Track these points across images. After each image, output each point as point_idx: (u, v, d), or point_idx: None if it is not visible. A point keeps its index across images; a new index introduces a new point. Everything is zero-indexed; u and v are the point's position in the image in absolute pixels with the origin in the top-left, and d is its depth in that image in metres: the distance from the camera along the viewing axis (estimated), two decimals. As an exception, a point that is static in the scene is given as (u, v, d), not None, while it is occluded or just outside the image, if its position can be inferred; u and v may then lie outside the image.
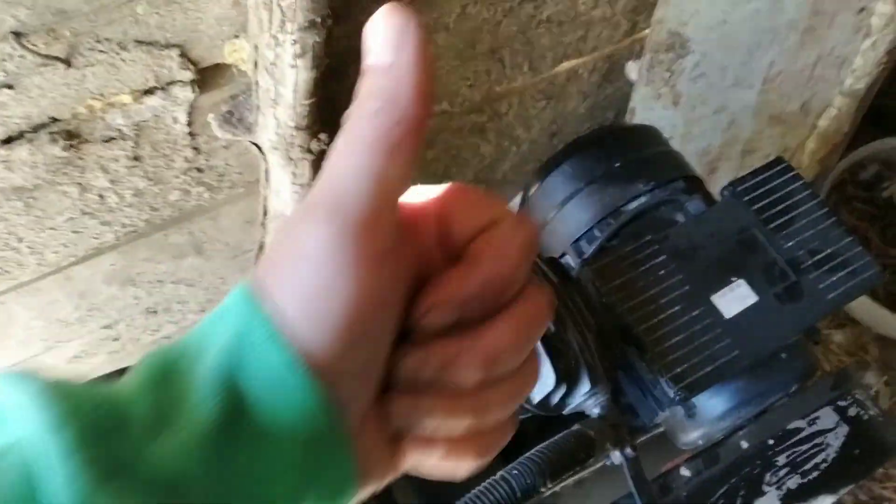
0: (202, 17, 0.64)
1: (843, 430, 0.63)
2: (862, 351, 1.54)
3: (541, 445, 0.50)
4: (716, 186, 0.77)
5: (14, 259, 0.76)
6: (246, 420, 0.26)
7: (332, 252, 0.26)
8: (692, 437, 0.71)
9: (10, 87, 0.60)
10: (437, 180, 0.98)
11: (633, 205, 0.76)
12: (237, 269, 0.99)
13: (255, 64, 0.69)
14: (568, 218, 0.78)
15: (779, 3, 0.97)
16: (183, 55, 0.66)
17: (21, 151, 0.66)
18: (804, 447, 0.61)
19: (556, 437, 0.52)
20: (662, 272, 0.68)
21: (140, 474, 0.24)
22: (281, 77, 0.67)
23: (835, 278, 0.68)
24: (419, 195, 0.32)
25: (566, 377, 0.56)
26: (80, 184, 0.73)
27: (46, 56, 0.59)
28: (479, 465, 0.32)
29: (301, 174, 0.78)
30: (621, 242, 0.72)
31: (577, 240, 0.77)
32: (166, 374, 0.27)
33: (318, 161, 0.78)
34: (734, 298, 0.66)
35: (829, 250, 0.69)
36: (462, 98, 0.94)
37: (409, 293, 0.30)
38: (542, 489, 0.47)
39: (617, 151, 0.79)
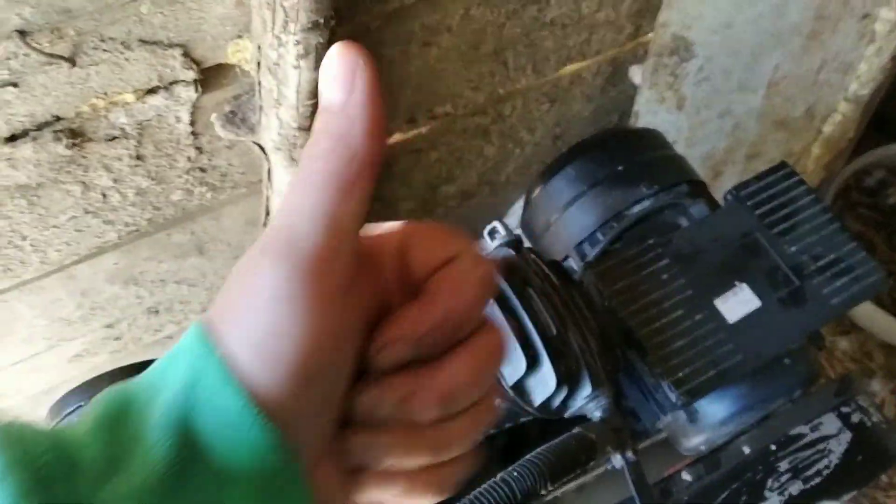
0: (205, 17, 0.64)
1: (846, 436, 0.62)
2: (867, 358, 1.53)
3: (541, 448, 0.50)
4: (720, 191, 0.76)
5: (17, 257, 0.76)
6: (200, 463, 0.26)
7: (284, 293, 0.26)
8: (694, 442, 0.70)
9: (14, 85, 0.60)
10: (441, 182, 0.99)
11: (637, 208, 0.76)
12: (239, 269, 0.99)
13: (258, 64, 0.69)
14: (571, 221, 0.78)
15: (783, 7, 0.97)
16: (186, 55, 0.66)
17: (25, 149, 0.66)
18: (807, 453, 0.60)
19: (556, 440, 0.52)
20: (665, 276, 0.68)
21: None
22: (284, 77, 0.67)
23: (838, 283, 0.68)
24: (379, 230, 0.32)
25: (567, 380, 0.55)
26: (83, 182, 0.73)
27: (51, 55, 0.59)
28: (440, 498, 0.32)
29: (304, 175, 0.78)
30: (624, 246, 0.72)
31: (581, 243, 0.77)
32: (119, 416, 0.26)
33: (320, 162, 0.78)
34: (737, 303, 0.66)
35: (832, 255, 0.69)
36: (465, 100, 0.94)
37: (368, 329, 0.30)
38: (542, 491, 0.47)
39: (620, 155, 0.79)
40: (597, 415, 0.56)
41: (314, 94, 0.69)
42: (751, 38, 1.02)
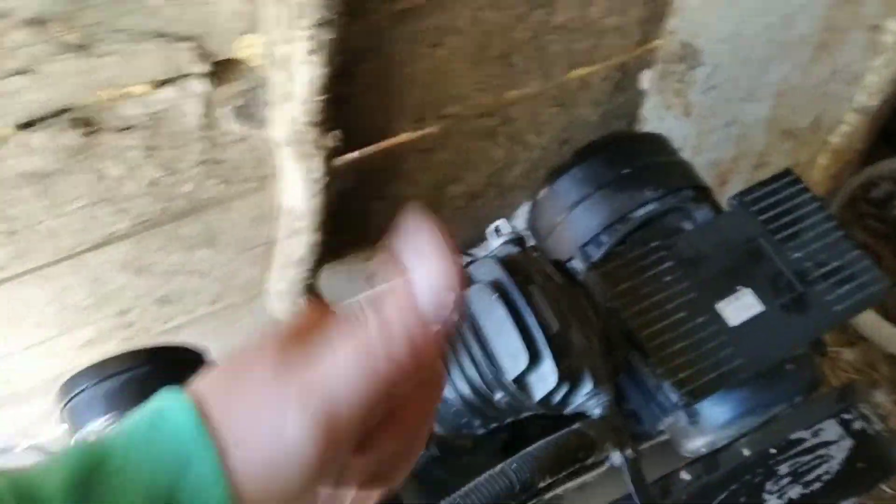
0: (216, 12, 0.65)
1: (848, 443, 0.63)
2: (872, 369, 1.53)
3: (540, 442, 0.50)
4: (726, 199, 0.77)
5: (30, 243, 0.77)
6: None
7: (305, 433, 0.28)
8: (696, 444, 0.70)
9: (28, 73, 0.61)
10: (448, 182, 0.99)
11: (641, 212, 0.76)
12: (247, 262, 1.00)
13: (269, 59, 0.70)
14: (576, 222, 0.79)
15: (791, 18, 0.97)
16: (197, 48, 0.67)
17: (39, 136, 0.66)
18: (807, 458, 0.61)
19: (555, 435, 0.52)
20: (668, 278, 0.68)
21: None
22: (294, 73, 0.68)
23: (841, 290, 0.68)
24: None
25: (568, 376, 0.56)
26: (95, 171, 0.73)
27: (64, 44, 0.60)
28: None
29: (313, 169, 0.78)
30: (628, 248, 0.72)
31: (585, 244, 0.77)
32: (91, 479, 0.26)
33: (330, 157, 0.79)
34: (740, 307, 0.67)
35: (836, 262, 0.69)
36: (473, 102, 0.95)
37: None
38: (540, 485, 0.48)
39: (626, 158, 0.80)
40: (597, 412, 0.56)
41: (324, 89, 0.70)
42: (759, 47, 1.02)
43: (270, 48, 0.68)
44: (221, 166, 0.83)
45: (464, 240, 1.24)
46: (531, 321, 0.56)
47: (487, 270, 0.60)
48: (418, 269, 0.32)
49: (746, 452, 0.58)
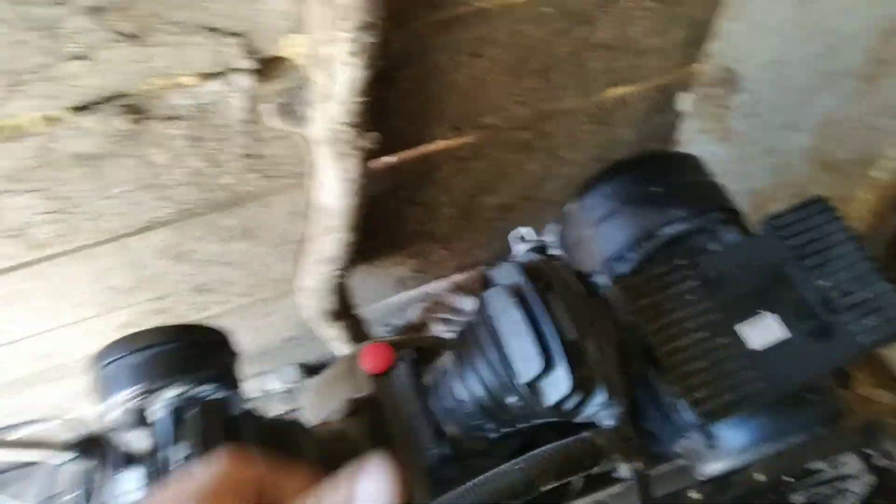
0: (265, 10, 0.67)
1: (870, 479, 0.61)
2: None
3: (546, 446, 0.51)
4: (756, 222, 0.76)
5: (75, 223, 0.81)
6: None
7: None
8: (712, 468, 0.70)
9: (84, 58, 0.64)
10: (482, 192, 1.00)
11: (668, 230, 0.76)
12: (281, 258, 1.03)
13: (312, 59, 0.72)
14: (603, 237, 0.79)
15: (837, 48, 0.97)
16: (245, 44, 0.70)
17: (91, 120, 0.70)
18: (824, 489, 0.60)
19: (562, 441, 0.53)
20: (691, 297, 0.68)
21: None
22: (335, 73, 0.70)
23: (867, 322, 0.67)
24: None
25: (581, 385, 0.56)
26: (141, 157, 0.77)
27: (120, 33, 0.63)
28: None
29: (349, 170, 0.81)
30: (652, 265, 0.72)
31: (610, 259, 0.78)
32: None
33: (366, 158, 0.81)
34: (762, 331, 0.66)
35: (863, 294, 0.68)
36: (510, 114, 0.96)
37: None
38: (543, 488, 0.48)
39: (657, 176, 0.80)
40: (608, 423, 0.56)
41: (363, 91, 0.72)
42: (803, 76, 1.02)
43: (314, 48, 0.70)
44: (262, 161, 0.85)
45: (495, 252, 1.25)
46: (548, 327, 0.57)
47: (507, 274, 0.61)
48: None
49: (760, 478, 0.58)
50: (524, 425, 0.62)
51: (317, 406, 0.68)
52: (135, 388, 0.58)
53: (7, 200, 0.74)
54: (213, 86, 0.74)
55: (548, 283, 0.60)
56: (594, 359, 0.57)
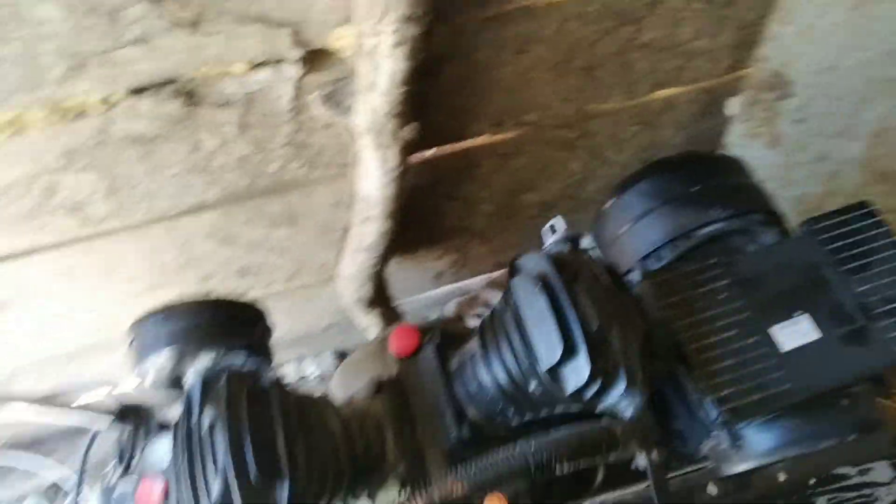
0: (314, 2, 0.70)
1: (896, 487, 0.60)
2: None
3: (563, 430, 0.52)
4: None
5: (129, 202, 0.85)
6: None
7: None
8: (738, 469, 0.69)
9: (143, 44, 0.68)
10: (523, 189, 1.01)
11: (706, 230, 0.76)
12: (324, 246, 1.05)
13: (358, 50, 0.74)
14: (639, 234, 0.79)
15: (892, 55, 0.94)
16: (294, 35, 0.72)
17: (146, 103, 0.73)
18: (850, 494, 0.59)
19: (580, 426, 0.53)
20: (723, 296, 0.68)
21: None
22: (378, 64, 0.72)
23: (906, 330, 0.65)
24: None
25: (602, 374, 0.57)
26: (192, 141, 0.80)
27: (177, 20, 0.67)
28: None
29: (389, 160, 0.83)
30: (686, 263, 0.72)
31: (646, 257, 0.78)
32: None
33: (406, 149, 0.82)
34: (794, 332, 0.65)
35: (905, 302, 0.67)
36: (554, 111, 0.97)
37: None
38: (557, 470, 0.49)
39: (698, 176, 0.79)
40: (628, 413, 0.57)
41: (406, 82, 0.74)
42: (857, 83, 1.00)
43: (360, 40, 0.72)
44: (307, 150, 0.88)
45: (534, 249, 1.25)
46: (571, 316, 0.57)
47: (535, 263, 0.62)
48: None
49: (782, 478, 0.57)
50: (546, 413, 0.62)
51: (344, 385, 0.70)
52: (169, 350, 0.60)
53: (66, 177, 0.79)
54: (263, 75, 0.76)
55: (575, 274, 0.61)
56: (616, 350, 0.58)
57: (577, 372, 0.56)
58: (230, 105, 0.78)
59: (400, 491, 0.61)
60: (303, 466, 0.56)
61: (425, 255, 1.20)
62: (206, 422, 0.57)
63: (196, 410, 0.57)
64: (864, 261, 0.68)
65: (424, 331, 0.70)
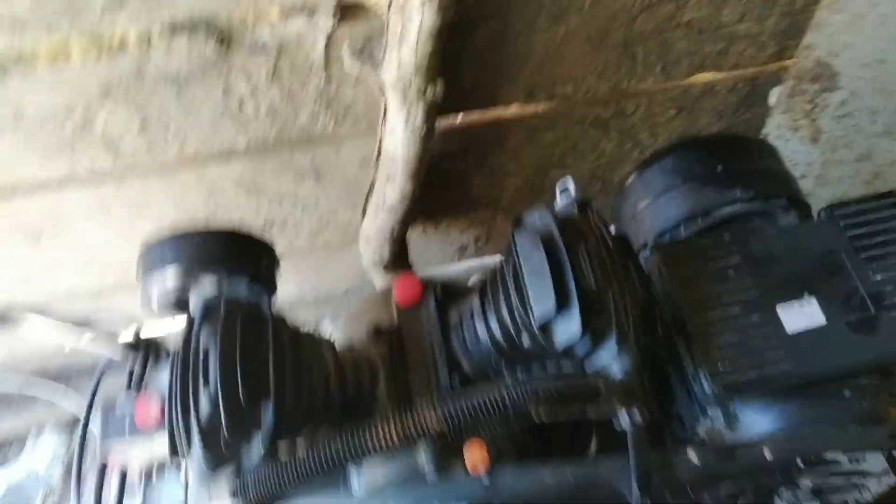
0: (352, -49, 0.71)
1: (890, 480, 0.58)
2: None
3: (546, 376, 0.52)
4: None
5: (161, 141, 0.87)
6: None
7: None
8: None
9: (180, -20, 0.70)
10: (551, 166, 1.00)
11: (726, 210, 0.74)
12: (349, 205, 1.07)
13: (390, 4, 0.75)
14: (658, 211, 0.78)
15: (948, 49, 0.91)
16: (330, -16, 0.74)
17: (181, 42, 0.76)
18: (838, 480, 0.57)
19: (564, 376, 0.53)
20: (732, 273, 0.67)
21: None
22: (408, 18, 0.73)
23: (921, 324, 0.63)
24: None
25: (593, 333, 0.56)
26: (223, 85, 0.82)
27: (215, -42, 0.69)
28: None
29: (414, 118, 0.83)
30: (701, 239, 0.71)
31: (662, 233, 0.77)
32: None
33: (432, 109, 0.83)
34: (801, 315, 0.64)
35: (923, 296, 0.65)
36: (587, 86, 0.96)
37: None
38: (533, 414, 0.49)
39: (723, 156, 0.78)
40: (617, 375, 0.56)
41: (434, 38, 0.74)
42: (908, 79, 0.96)
43: (392, -8, 0.73)
44: (336, 104, 0.89)
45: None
46: (568, 272, 0.57)
47: (539, 219, 0.62)
48: None
49: (768, 455, 0.56)
50: (538, 371, 0.62)
51: (347, 330, 0.72)
52: (173, 268, 0.62)
53: (102, 110, 0.82)
54: (298, 23, 0.78)
55: (578, 235, 0.61)
56: (611, 311, 0.57)
57: (569, 327, 0.56)
58: (263, 52, 0.80)
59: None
60: (290, 393, 0.57)
61: (450, 227, 1.20)
62: (201, 344, 0.58)
63: (194, 333, 0.59)
64: (884, 250, 0.66)
65: (427, 284, 0.71)
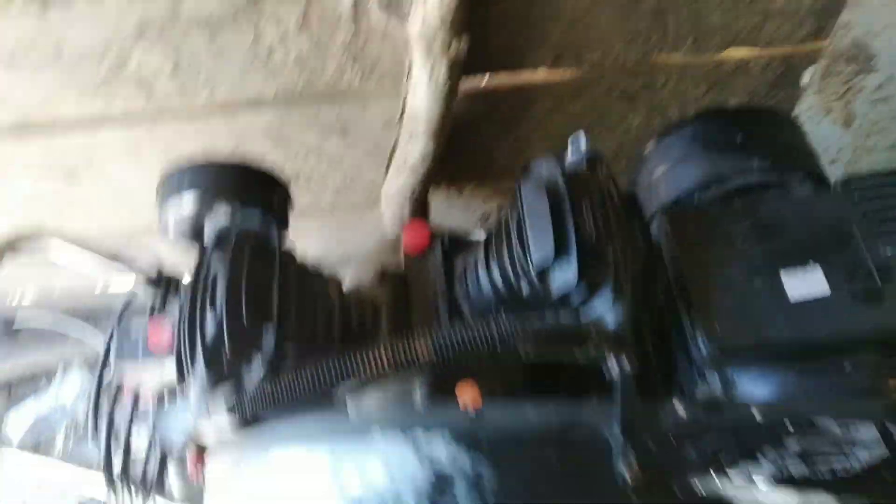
0: None
1: (881, 452, 0.58)
2: None
3: (541, 314, 0.52)
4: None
5: (192, 84, 0.90)
6: None
7: None
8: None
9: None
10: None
11: (743, 179, 0.74)
12: (373, 165, 1.08)
13: (419, -45, 0.76)
14: (674, 177, 0.78)
15: None
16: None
17: (214, -17, 0.78)
18: (826, 446, 0.57)
19: (555, 316, 0.54)
20: (739, 238, 0.66)
21: None
22: (436, -31, 0.73)
23: (927, 299, 0.62)
24: None
25: (590, 283, 0.57)
26: (253, 31, 0.84)
27: None
28: None
29: (437, 74, 0.84)
30: (710, 203, 0.71)
31: (676, 202, 0.77)
32: None
33: (454, 65, 0.84)
34: (805, 283, 0.63)
35: (930, 272, 0.64)
36: (616, 54, 0.96)
37: None
38: (519, 352, 0.49)
39: (745, 126, 0.77)
40: (610, 324, 0.57)
41: (460, -9, 0.75)
42: (949, 65, 0.94)
43: (420, -57, 0.74)
44: (363, 59, 0.91)
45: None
46: (569, 221, 0.58)
47: (547, 169, 0.62)
48: None
49: (757, 416, 0.56)
50: (532, 314, 0.63)
51: (357, 273, 0.73)
52: (189, 194, 0.65)
53: (136, 50, 0.84)
54: (328, -29, 0.79)
55: (585, 189, 0.61)
56: (610, 264, 0.58)
57: (565, 274, 0.57)
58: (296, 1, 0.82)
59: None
60: (293, 320, 0.59)
61: (473, 194, 1.21)
62: (211, 270, 0.61)
63: (205, 259, 0.62)
64: (897, 226, 0.65)
65: (436, 233, 0.72)
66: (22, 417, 1.40)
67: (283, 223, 0.71)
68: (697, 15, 0.92)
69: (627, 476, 0.52)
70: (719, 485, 0.54)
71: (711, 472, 0.54)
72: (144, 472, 0.79)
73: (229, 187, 0.66)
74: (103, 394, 0.79)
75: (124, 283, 1.06)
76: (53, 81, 0.87)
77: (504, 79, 0.97)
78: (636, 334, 0.59)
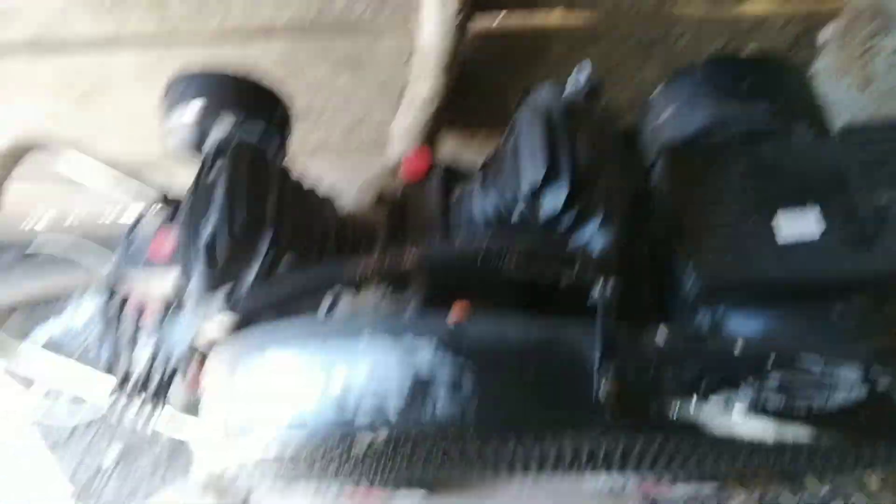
0: None
1: (860, 393, 0.58)
2: None
3: (531, 237, 0.53)
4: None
5: (205, 8, 0.91)
6: None
7: None
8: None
9: None
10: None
11: (745, 125, 0.74)
12: (385, 105, 1.09)
13: None
14: (677, 120, 0.77)
15: None
16: None
17: None
18: (807, 381, 0.58)
19: (541, 239, 0.55)
20: (735, 178, 0.67)
21: None
22: None
23: (918, 244, 0.62)
24: None
25: (580, 210, 0.58)
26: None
27: None
28: None
29: (448, 4, 0.84)
30: (709, 143, 0.71)
31: (680, 143, 0.77)
32: None
33: None
34: (798, 225, 0.64)
35: (925, 219, 0.64)
36: (631, 1, 0.95)
37: None
38: (504, 268, 0.50)
39: (754, 74, 0.77)
40: (597, 248, 0.57)
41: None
42: (972, 29, 0.92)
43: None
44: (375, -10, 0.91)
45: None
46: (563, 146, 0.58)
47: (547, 98, 0.63)
48: None
49: (737, 351, 0.57)
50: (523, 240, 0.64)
51: (357, 198, 0.74)
52: (195, 102, 0.66)
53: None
54: None
55: (581, 116, 0.62)
56: (600, 191, 0.58)
57: (556, 197, 0.57)
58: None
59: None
60: (287, 229, 0.60)
61: (484, 144, 1.21)
62: (212, 178, 0.62)
63: (206, 168, 0.63)
64: (894, 176, 0.65)
65: (436, 163, 0.73)
66: (36, 340, 1.44)
67: (284, 140, 0.72)
68: (717, -36, 0.91)
69: (603, 395, 0.53)
70: (694, 410, 0.55)
71: (690, 398, 0.55)
72: (147, 381, 0.81)
73: (233, 99, 0.68)
74: (111, 305, 0.81)
75: (136, 209, 1.08)
76: (69, -3, 0.88)
77: (518, 19, 0.97)
78: (626, 263, 0.59)
